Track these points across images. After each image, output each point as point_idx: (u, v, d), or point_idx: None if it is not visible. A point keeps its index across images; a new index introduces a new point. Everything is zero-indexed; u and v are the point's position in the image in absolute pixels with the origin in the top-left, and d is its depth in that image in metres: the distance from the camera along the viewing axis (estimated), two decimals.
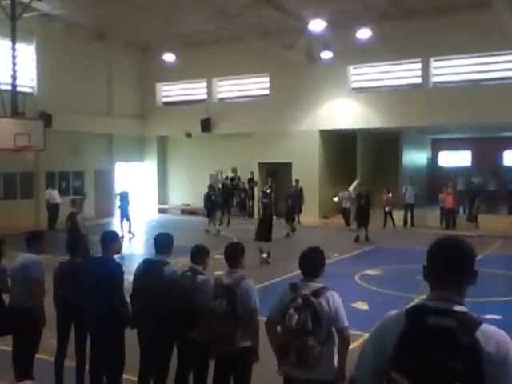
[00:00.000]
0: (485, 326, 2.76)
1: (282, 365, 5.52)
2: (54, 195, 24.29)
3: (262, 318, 6.04)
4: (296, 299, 5.36)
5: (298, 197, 25.50)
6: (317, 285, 5.50)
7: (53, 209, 24.54)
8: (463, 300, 2.90)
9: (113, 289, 6.92)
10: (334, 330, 5.42)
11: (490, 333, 2.74)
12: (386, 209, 25.56)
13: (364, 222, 22.42)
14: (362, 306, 11.87)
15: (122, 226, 22.83)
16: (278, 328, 5.58)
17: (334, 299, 5.43)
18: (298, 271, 5.69)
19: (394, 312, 3.03)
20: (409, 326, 2.85)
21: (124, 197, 23.51)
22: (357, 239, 21.91)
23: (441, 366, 2.69)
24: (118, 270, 7.10)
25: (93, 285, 7.00)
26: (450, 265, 2.92)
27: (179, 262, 9.52)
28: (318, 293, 5.38)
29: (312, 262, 5.71)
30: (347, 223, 25.39)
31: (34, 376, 7.02)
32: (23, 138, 21.13)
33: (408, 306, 2.97)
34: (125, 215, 23.24)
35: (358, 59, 27.33)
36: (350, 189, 25.85)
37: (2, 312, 7.34)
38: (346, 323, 5.43)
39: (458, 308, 2.83)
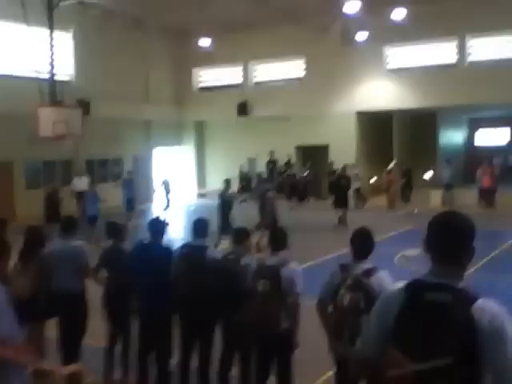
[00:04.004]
0: (481, 301, 2.76)
1: (336, 344, 5.52)
2: (78, 183, 22.80)
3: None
4: (346, 279, 5.40)
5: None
6: (367, 265, 5.51)
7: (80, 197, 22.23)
8: (462, 275, 2.91)
9: (166, 273, 6.95)
10: None
11: (486, 307, 2.74)
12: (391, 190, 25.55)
13: (338, 203, 21.45)
14: None
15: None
16: (330, 308, 5.61)
17: (386, 279, 5.41)
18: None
19: (396, 286, 3.04)
20: (407, 301, 2.89)
21: (166, 186, 24.08)
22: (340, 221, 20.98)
23: (434, 341, 2.73)
24: (170, 255, 7.15)
25: (144, 270, 7.04)
26: (447, 241, 2.90)
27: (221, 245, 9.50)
28: (368, 273, 5.40)
29: (363, 242, 5.70)
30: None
31: (80, 360, 7.07)
32: (62, 126, 21.29)
33: (408, 281, 2.98)
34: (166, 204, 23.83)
35: (393, 40, 27.15)
36: (389, 167, 25.64)
37: (49, 296, 7.39)
38: None
39: (455, 283, 2.84)
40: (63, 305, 7.24)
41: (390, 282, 5.41)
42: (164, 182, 24.68)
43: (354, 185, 24.45)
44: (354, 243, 5.68)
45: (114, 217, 12.44)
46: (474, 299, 2.76)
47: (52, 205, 20.69)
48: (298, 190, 27.64)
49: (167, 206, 24.33)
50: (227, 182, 17.99)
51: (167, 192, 24.78)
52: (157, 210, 25.64)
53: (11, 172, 24.45)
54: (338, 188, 22.00)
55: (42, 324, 7.33)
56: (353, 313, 5.28)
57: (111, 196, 21.70)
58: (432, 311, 2.78)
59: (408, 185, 24.62)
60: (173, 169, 32.24)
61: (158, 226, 7.39)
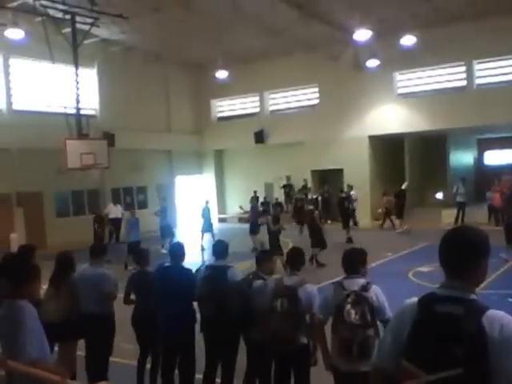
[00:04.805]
0: (491, 312, 2.73)
1: (343, 360, 5.48)
2: (113, 210, 23.44)
3: None
4: (348, 296, 5.42)
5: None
6: (361, 280, 5.58)
7: (111, 223, 23.05)
8: (472, 288, 2.86)
9: (186, 294, 7.01)
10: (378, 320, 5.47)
11: (496, 318, 2.70)
12: (384, 209, 25.77)
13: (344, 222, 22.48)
14: None
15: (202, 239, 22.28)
16: (329, 326, 5.63)
17: (380, 292, 5.54)
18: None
19: (410, 300, 3.03)
20: (420, 314, 2.87)
21: (206, 211, 22.98)
22: (349, 240, 21.06)
23: (445, 352, 2.69)
24: (190, 277, 7.21)
25: (165, 291, 7.07)
26: (454, 255, 2.90)
27: (242, 266, 9.52)
28: (365, 287, 5.47)
29: (354, 259, 5.80)
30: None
31: (109, 378, 7.10)
32: (89, 157, 21.53)
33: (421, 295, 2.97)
34: (208, 228, 22.64)
35: (403, 65, 27.06)
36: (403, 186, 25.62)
37: (78, 318, 7.45)
38: (391, 314, 5.34)
39: (465, 295, 2.81)
40: (90, 327, 7.34)
41: (383, 294, 5.56)
42: (204, 209, 23.03)
43: (353, 205, 24.76)
44: (347, 261, 5.78)
45: (149, 243, 12.44)
46: (483, 310, 2.73)
47: (97, 228, 21.32)
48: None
49: (212, 235, 22.27)
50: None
51: (208, 218, 22.81)
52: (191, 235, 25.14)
53: (42, 202, 24.79)
54: (341, 209, 22.83)
55: (72, 344, 7.40)
56: (361, 327, 5.31)
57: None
58: (443, 323, 2.75)
59: (401, 205, 24.82)
60: (194, 195, 32.23)
61: (178, 250, 7.44)
